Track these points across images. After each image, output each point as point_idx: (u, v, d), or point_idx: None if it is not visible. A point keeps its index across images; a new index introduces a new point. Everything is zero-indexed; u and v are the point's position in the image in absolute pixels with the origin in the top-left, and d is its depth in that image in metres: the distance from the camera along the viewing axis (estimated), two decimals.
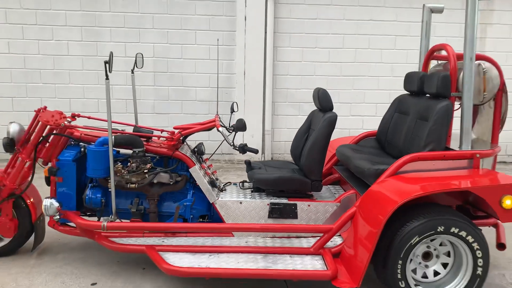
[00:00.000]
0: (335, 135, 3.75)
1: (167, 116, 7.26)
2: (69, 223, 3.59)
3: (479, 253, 2.95)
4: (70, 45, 6.95)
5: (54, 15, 6.85)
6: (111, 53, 3.06)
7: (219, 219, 3.54)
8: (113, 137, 3.29)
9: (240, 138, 7.09)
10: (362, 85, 7.53)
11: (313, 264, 3.13)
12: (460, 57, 3.48)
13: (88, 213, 3.73)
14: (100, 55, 7.00)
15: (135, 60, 3.92)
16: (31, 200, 3.65)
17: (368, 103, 7.57)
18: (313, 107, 7.46)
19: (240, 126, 3.45)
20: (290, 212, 3.50)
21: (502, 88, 3.60)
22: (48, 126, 3.49)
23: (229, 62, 7.19)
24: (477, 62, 3.47)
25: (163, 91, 7.21)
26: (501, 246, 3.37)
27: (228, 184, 3.93)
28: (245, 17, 7.04)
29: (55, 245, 3.95)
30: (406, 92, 4.11)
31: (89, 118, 3.85)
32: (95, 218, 3.64)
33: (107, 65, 3.03)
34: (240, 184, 3.90)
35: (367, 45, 7.42)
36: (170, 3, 6.99)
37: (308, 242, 3.41)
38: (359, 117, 7.59)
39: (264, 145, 7.44)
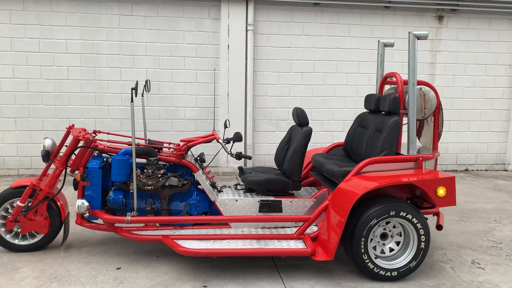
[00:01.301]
0: (309, 147, 4.55)
1: (158, 133, 7.93)
2: (93, 220, 4.32)
3: (422, 231, 3.86)
4: (70, 70, 7.61)
5: (55, 43, 7.52)
6: (137, 82, 3.85)
7: (219, 215, 4.33)
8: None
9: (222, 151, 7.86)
10: (331, 104, 8.43)
11: (296, 245, 3.96)
12: (406, 82, 4.46)
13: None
14: (98, 79, 7.69)
15: (144, 85, 4.66)
16: (60, 202, 4.36)
17: (336, 120, 8.47)
18: (288, 123, 8.42)
19: (238, 138, 4.30)
20: (276, 207, 4.31)
21: (439, 107, 4.56)
22: (78, 140, 4.25)
23: (214, 85, 8.02)
24: (418, 86, 4.43)
25: (155, 111, 7.93)
26: (439, 227, 4.31)
27: (224, 187, 4.75)
28: (228, 46, 7.88)
29: (77, 241, 4.65)
30: (366, 110, 5.07)
31: (108, 133, 4.62)
32: None
33: (133, 90, 3.82)
34: (234, 186, 4.73)
35: (335, 70, 8.36)
36: (161, 33, 7.76)
37: (291, 230, 4.24)
38: (329, 132, 8.48)
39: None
